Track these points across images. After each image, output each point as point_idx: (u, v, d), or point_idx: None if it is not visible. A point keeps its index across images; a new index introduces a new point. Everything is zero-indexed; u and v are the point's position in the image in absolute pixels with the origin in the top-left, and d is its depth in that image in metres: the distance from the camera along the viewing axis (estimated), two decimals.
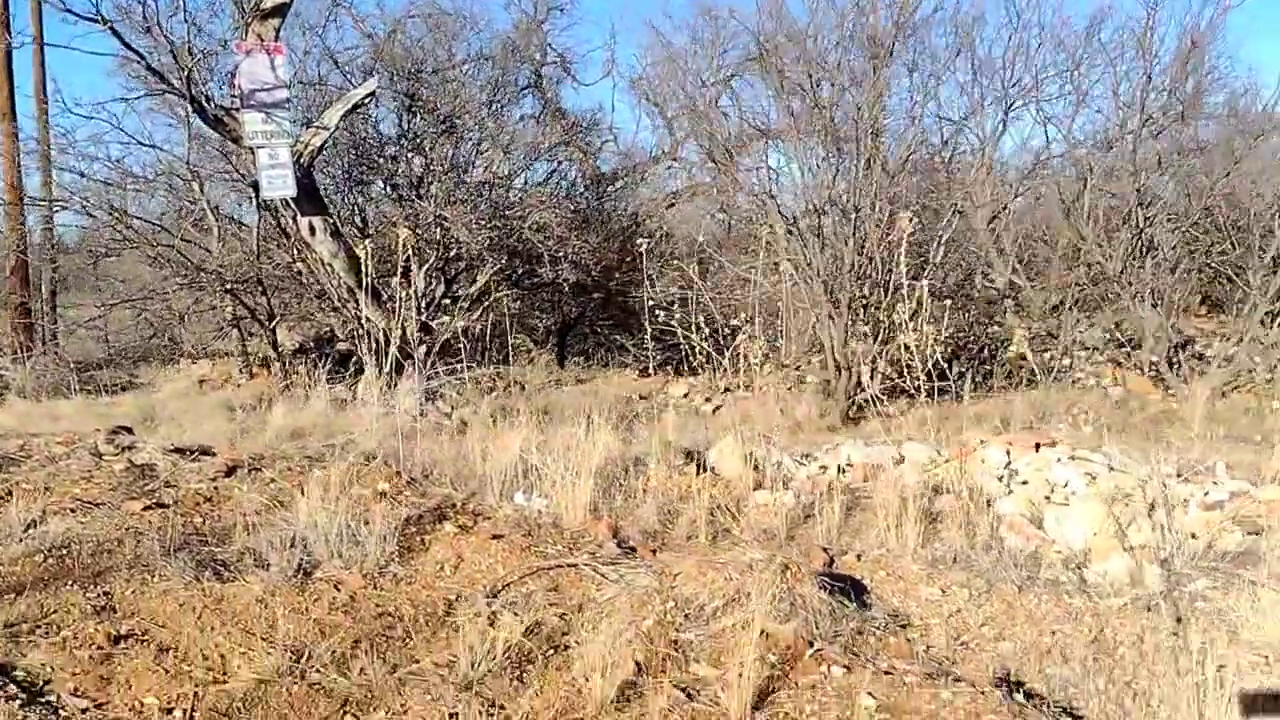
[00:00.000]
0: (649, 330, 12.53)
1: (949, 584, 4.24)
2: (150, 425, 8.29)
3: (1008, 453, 5.27)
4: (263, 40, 9.09)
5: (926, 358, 6.72)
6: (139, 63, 8.78)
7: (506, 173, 11.69)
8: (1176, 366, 10.06)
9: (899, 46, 8.69)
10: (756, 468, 5.51)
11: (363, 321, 10.44)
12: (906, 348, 6.74)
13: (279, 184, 9.22)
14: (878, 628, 3.73)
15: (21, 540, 4.95)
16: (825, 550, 4.68)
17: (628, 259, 12.54)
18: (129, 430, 7.11)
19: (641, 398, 11.64)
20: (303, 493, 5.87)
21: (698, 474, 5.64)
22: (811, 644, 3.42)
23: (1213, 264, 10.67)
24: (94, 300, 17.00)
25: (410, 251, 7.16)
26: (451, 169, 10.69)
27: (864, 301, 8.41)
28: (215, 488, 5.92)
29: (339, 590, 4.33)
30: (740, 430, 8.49)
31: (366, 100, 9.88)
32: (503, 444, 6.28)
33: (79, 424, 9.03)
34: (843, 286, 8.41)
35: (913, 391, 10.05)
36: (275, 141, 9.13)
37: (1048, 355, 13.21)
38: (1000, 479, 5.09)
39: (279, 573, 4.40)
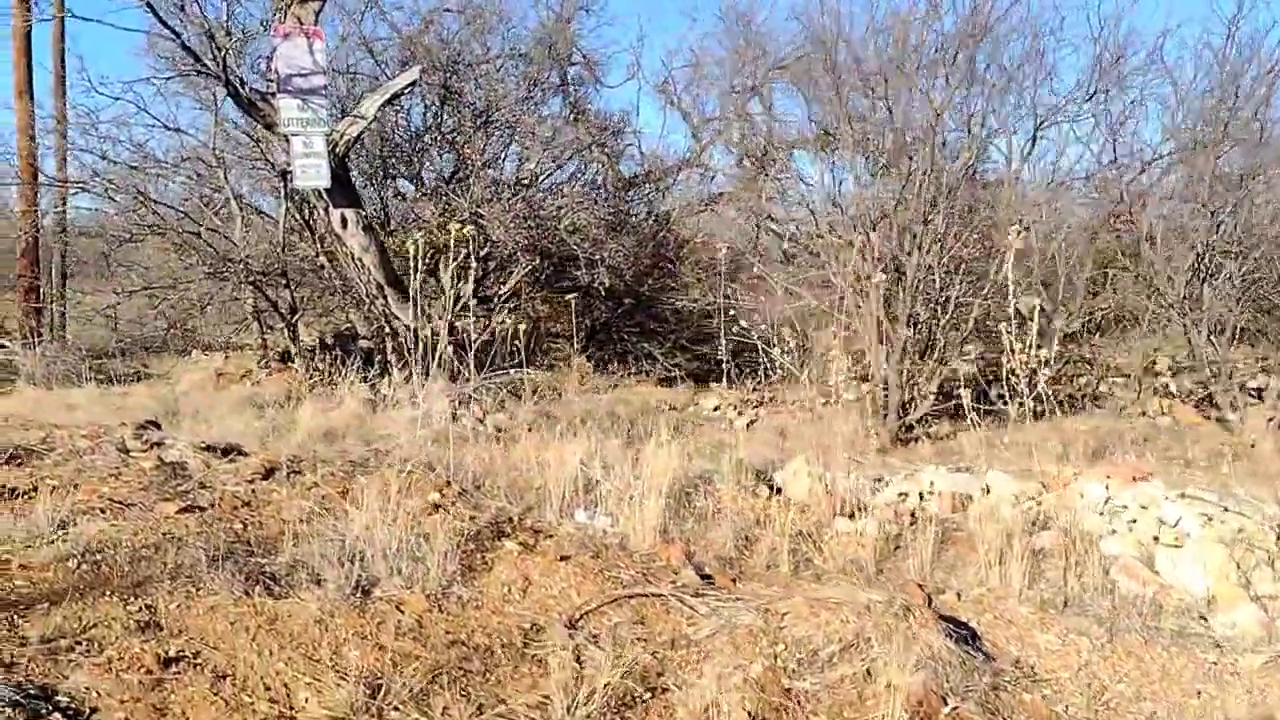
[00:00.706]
0: (676, 339, 12.23)
1: (1065, 631, 3.90)
2: (173, 419, 7.93)
3: (1106, 487, 4.94)
4: (302, 23, 8.76)
5: (977, 377, 6.40)
6: (174, 41, 8.44)
7: (540, 171, 11.36)
8: (1230, 397, 9.74)
9: (965, 56, 8.37)
10: (827, 490, 5.18)
11: (390, 320, 10.10)
12: (1007, 363, 6.44)
13: (313, 174, 8.89)
14: (1008, 682, 3.39)
15: (52, 542, 4.60)
16: (921, 587, 4.34)
17: (659, 265, 12.23)
18: (156, 425, 6.76)
19: (672, 408, 11.30)
20: (348, 499, 5.55)
21: (770, 497, 5.30)
22: (945, 701, 3.08)
23: (1266, 294, 10.36)
24: (106, 287, 16.68)
25: (453, 247, 6.79)
26: (487, 164, 10.35)
27: (920, 319, 8.08)
28: (253, 491, 5.56)
29: (402, 612, 3.98)
30: (783, 448, 8.16)
31: (406, 91, 9.55)
32: (555, 455, 5.93)
33: (95, 415, 8.68)
34: (901, 302, 8.08)
35: (967, 413, 9.77)
36: (310, 130, 8.80)
37: (1083, 381, 12.90)
38: (1102, 514, 4.76)
39: (336, 590, 4.05)
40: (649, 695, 3.30)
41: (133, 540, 4.65)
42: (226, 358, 12.77)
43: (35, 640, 3.57)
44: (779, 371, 11.57)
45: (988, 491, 5.27)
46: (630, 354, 12.39)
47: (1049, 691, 3.39)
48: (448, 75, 10.78)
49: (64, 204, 14.30)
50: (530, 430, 8.14)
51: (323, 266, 11.30)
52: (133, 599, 3.97)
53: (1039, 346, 4.99)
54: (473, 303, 10.40)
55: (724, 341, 11.91)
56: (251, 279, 9.83)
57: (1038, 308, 5.55)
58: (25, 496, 5.43)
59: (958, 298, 7.55)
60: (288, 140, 8.95)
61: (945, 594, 4.31)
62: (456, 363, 8.87)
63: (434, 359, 8.94)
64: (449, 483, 5.58)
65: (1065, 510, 4.89)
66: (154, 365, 12.73)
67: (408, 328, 10.17)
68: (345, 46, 10.84)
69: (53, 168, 14.16)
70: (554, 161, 11.33)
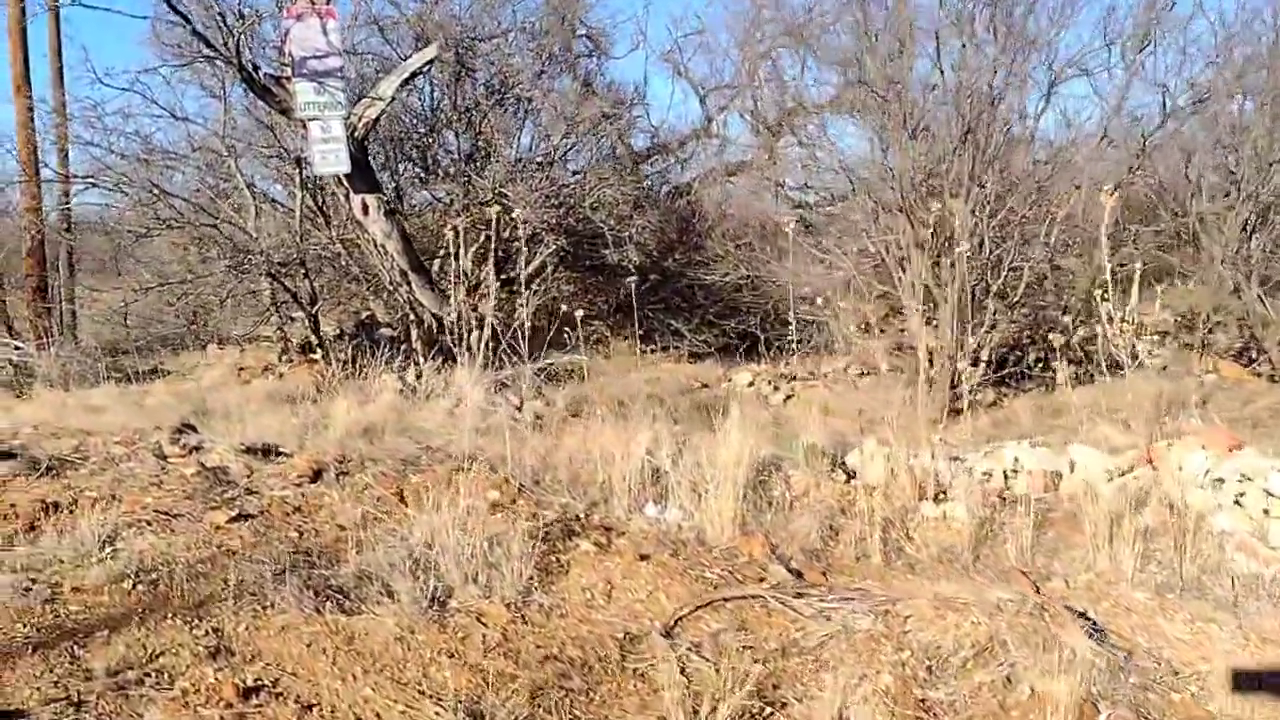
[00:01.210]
0: (706, 314, 11.95)
1: (1190, 618, 3.66)
2: (204, 419, 7.67)
3: (1205, 457, 4.69)
4: (314, 3, 8.42)
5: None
6: (184, 27, 8.12)
7: (560, 148, 11.04)
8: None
9: (1004, 8, 8.02)
10: (911, 473, 4.93)
11: (415, 307, 9.84)
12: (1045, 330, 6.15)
13: (332, 159, 8.58)
14: (1154, 681, 3.15)
15: (100, 561, 4.36)
16: (1024, 574, 4.11)
17: (684, 239, 11.94)
18: (192, 428, 6.51)
19: (703, 385, 11.05)
20: (403, 500, 5.31)
21: (847, 481, 5.05)
22: (1097, 707, 2.84)
23: None
24: (113, 283, 16.39)
25: (492, 228, 6.53)
26: (507, 143, 10.05)
27: (970, 284, 7.80)
28: (303, 495, 5.32)
29: (485, 624, 3.74)
30: (830, 424, 7.91)
31: (424, 69, 9.23)
32: (614, 444, 5.67)
33: (121, 417, 8.42)
34: (950, 267, 7.79)
35: (1016, 380, 9.51)
36: (328, 114, 8.49)
37: (1121, 341, 12.59)
38: (1202, 488, 4.52)
39: (411, 603, 3.81)
40: (771, 711, 3.06)
41: (187, 555, 4.41)
42: (243, 351, 12.50)
43: (101, 673, 3.34)
44: (812, 344, 11.35)
45: (1073, 468, 5.03)
46: (656, 331, 12.12)
47: (1195, 689, 3.16)
48: (461, 52, 10.44)
49: (68, 199, 13.99)
50: (573, 416, 7.89)
51: (339, 254, 11.02)
52: (197, 621, 3.74)
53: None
54: (495, 285, 10.14)
55: (756, 316, 11.69)
56: (272, 270, 9.55)
57: (1138, 272, 5.26)
58: (67, 511, 5.19)
59: (1011, 262, 7.27)
60: (304, 125, 8.65)
61: (1051, 581, 4.07)
62: (488, 349, 8.62)
63: (464, 346, 8.68)
64: (507, 479, 5.34)
65: (1161, 484, 4.65)
66: (170, 361, 12.46)
67: (434, 314, 9.91)
68: (354, 26, 10.50)
69: (54, 163, 13.82)
70: (576, 137, 11.01)
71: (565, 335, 10.27)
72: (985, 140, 7.71)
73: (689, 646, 3.45)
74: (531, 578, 4.08)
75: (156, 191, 9.59)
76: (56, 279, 14.84)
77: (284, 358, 11.20)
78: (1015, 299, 7.88)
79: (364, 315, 11.47)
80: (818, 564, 4.36)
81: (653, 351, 12.46)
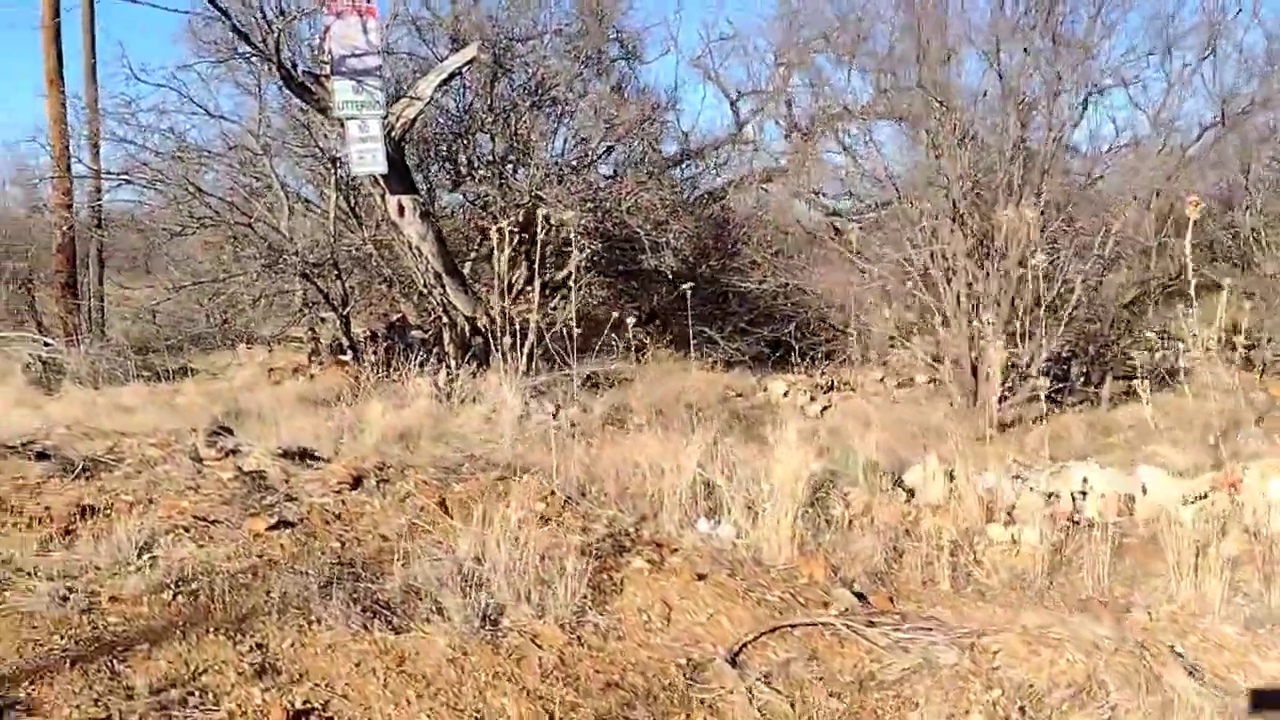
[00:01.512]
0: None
1: None
2: (237, 421, 7.54)
3: None
4: (354, 0, 8.30)
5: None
6: (222, 22, 8.01)
7: (597, 151, 10.89)
8: None
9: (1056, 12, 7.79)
10: (977, 494, 4.73)
11: (449, 310, 9.70)
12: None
13: (369, 160, 8.45)
14: None
15: (138, 569, 4.22)
16: (1102, 604, 3.91)
17: (718, 245, 11.76)
18: (228, 430, 6.37)
19: (738, 394, 10.86)
20: (446, 510, 5.15)
21: (908, 500, 4.87)
22: None
23: None
24: (141, 281, 16.35)
25: (541, 230, 6.37)
26: (542, 145, 9.90)
27: (1018, 296, 7.59)
28: (343, 502, 5.17)
29: (539, 646, 3.58)
30: (869, 438, 7.70)
31: (462, 70, 9.09)
32: (661, 455, 5.50)
33: (152, 417, 8.33)
34: (997, 278, 7.59)
35: (1060, 396, 9.27)
36: (366, 113, 8.36)
37: (1157, 356, 12.35)
38: None
39: (462, 622, 3.65)
40: None
41: (227, 565, 4.26)
42: (271, 351, 12.39)
43: (143, 691, 3.19)
44: (847, 354, 11.14)
45: (1145, 491, 4.82)
46: (688, 338, 11.91)
47: None
48: (499, 52, 10.31)
49: (100, 196, 13.94)
50: (610, 424, 7.73)
51: (370, 256, 10.90)
52: (240, 636, 3.59)
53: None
54: (536, 289, 9.99)
55: (789, 324, 11.48)
56: (306, 270, 9.43)
57: (1191, 286, 5.06)
58: (103, 515, 5.06)
59: (1064, 274, 7.07)
60: (342, 125, 8.52)
61: (1132, 612, 3.87)
62: (525, 354, 8.46)
63: (499, 350, 8.53)
64: (552, 490, 5.18)
65: (1241, 510, 4.44)
66: (198, 360, 12.37)
67: (467, 318, 9.78)
68: (391, 25, 10.38)
69: (86, 159, 13.76)
70: (616, 140, 10.85)
71: (600, 340, 10.12)
72: (1039, 148, 7.51)
73: (759, 676, 3.27)
74: (585, 596, 3.91)
75: (192, 189, 9.50)
76: (86, 276, 14.79)
77: (314, 359, 11.08)
78: (1066, 312, 7.66)
79: (394, 317, 11.35)
80: (883, 588, 4.17)
81: (685, 358, 12.27)
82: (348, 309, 10.37)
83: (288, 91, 9.78)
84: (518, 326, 8.28)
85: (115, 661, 3.40)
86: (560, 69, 10.46)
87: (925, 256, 8.46)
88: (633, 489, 5.14)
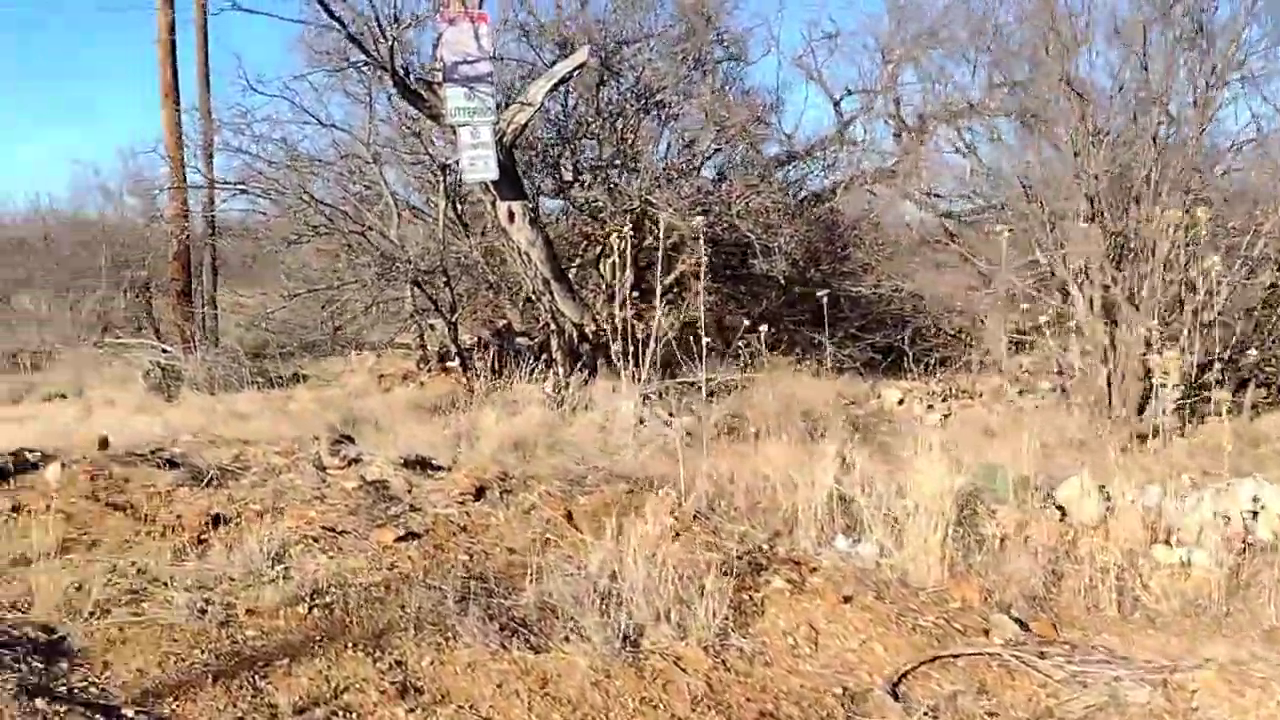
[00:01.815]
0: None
1: None
2: (354, 428, 7.58)
3: None
4: (466, 6, 8.29)
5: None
6: (337, 31, 8.07)
7: (705, 153, 10.72)
8: None
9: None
10: (1142, 513, 4.42)
11: (557, 316, 9.63)
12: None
13: (480, 166, 8.42)
14: None
15: (271, 581, 4.18)
16: None
17: (829, 249, 11.48)
18: (349, 439, 6.37)
19: (851, 402, 10.57)
20: (572, 523, 5.04)
21: (1062, 518, 4.58)
22: None
23: None
24: (251, 289, 16.75)
25: (651, 238, 6.23)
26: (650, 149, 9.78)
27: (1161, 300, 7.17)
28: (467, 514, 5.09)
29: (684, 670, 3.41)
30: (999, 450, 7.35)
31: (573, 74, 9.02)
32: (780, 464, 5.29)
33: (268, 424, 8.41)
34: (1138, 281, 7.19)
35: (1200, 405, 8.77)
36: (477, 119, 8.33)
37: None
38: None
39: (602, 643, 3.50)
40: None
41: (359, 578, 4.20)
42: (379, 357, 12.53)
43: (287, 710, 3.12)
44: (964, 360, 10.75)
45: None
46: (799, 344, 11.68)
47: None
48: (606, 56, 10.22)
49: (213, 205, 14.31)
50: (726, 433, 7.54)
51: (476, 263, 10.90)
52: (379, 653, 3.51)
53: None
54: (657, 293, 9.86)
55: (903, 330, 11.15)
56: (417, 278, 9.47)
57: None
58: (233, 524, 5.07)
59: (1211, 276, 6.64)
60: (454, 131, 8.51)
61: None
62: (638, 361, 8.32)
63: (609, 357, 8.41)
64: (680, 503, 5.01)
65: None
66: (310, 367, 12.57)
67: (575, 324, 9.70)
68: (500, 31, 10.38)
69: (200, 169, 14.13)
70: (725, 143, 10.69)
71: (709, 347, 9.94)
72: (1184, 142, 7.08)
73: (925, 711, 3.05)
74: (726, 617, 3.73)
75: (306, 198, 9.63)
76: (199, 283, 15.20)
77: (423, 365, 11.15)
78: (1210, 316, 7.22)
79: (500, 324, 11.34)
80: (1044, 614, 3.91)
81: (795, 365, 12.02)
82: (456, 316, 10.39)
83: (397, 100, 9.86)
84: (628, 333, 8.14)
85: (256, 677, 3.34)
86: (667, 71, 10.32)
87: (1054, 258, 8.07)
88: (763, 503, 4.95)
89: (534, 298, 9.35)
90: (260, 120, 10.38)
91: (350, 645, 3.57)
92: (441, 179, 9.75)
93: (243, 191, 11.01)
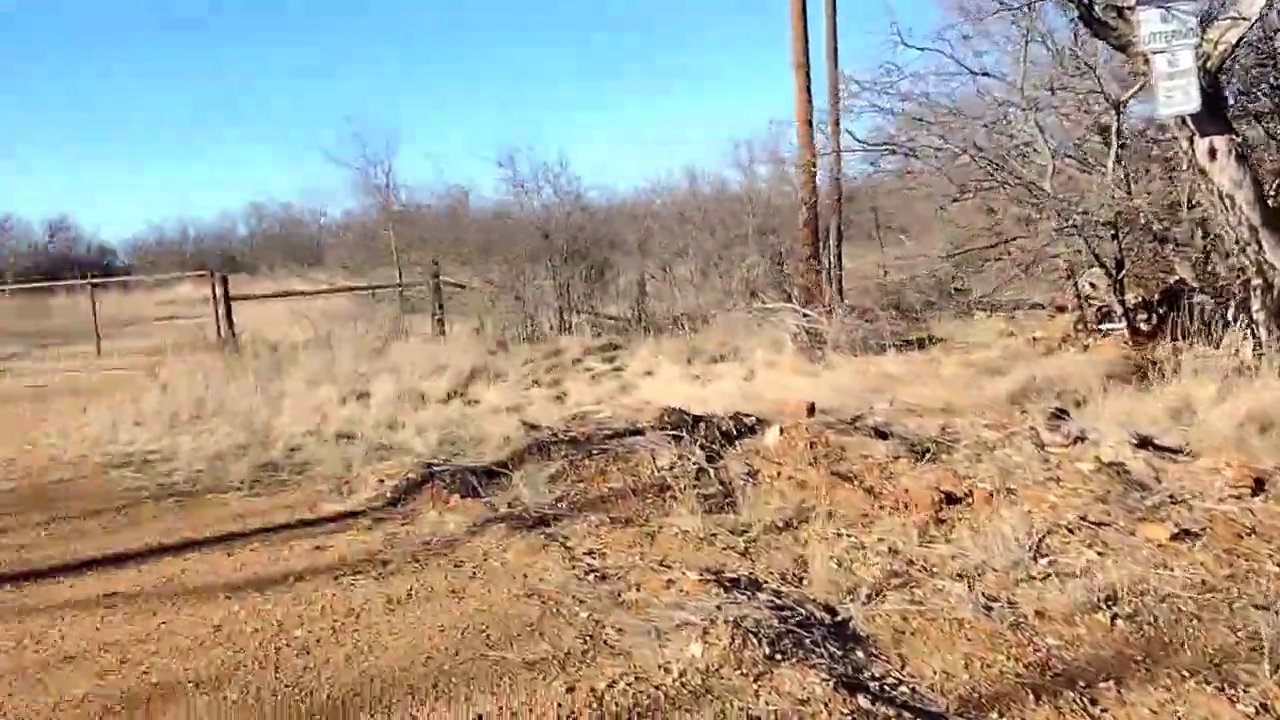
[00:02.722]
0: None
1: None
2: (1036, 399, 6.92)
3: None
4: None
5: None
6: None
7: None
8: None
9: None
10: None
11: (1264, 269, 8.06)
12: None
13: (1179, 98, 7.20)
14: None
15: (1045, 578, 3.72)
16: None
17: None
18: (1065, 414, 5.75)
19: None
20: None
21: None
22: None
23: None
24: (866, 251, 16.84)
25: None
26: None
27: None
28: (1249, 511, 4.22)
29: None
30: None
31: None
32: None
33: (934, 390, 8.07)
34: None
35: None
36: (1176, 44, 7.12)
37: None
38: None
39: None
40: None
41: (1149, 583, 3.58)
42: (1013, 318, 11.75)
43: None
44: None
45: None
46: None
47: None
48: None
49: (839, 171, 14.47)
50: None
51: (1138, 211, 9.59)
52: (1229, 688, 2.86)
53: None
54: None
55: None
56: (1090, 232, 8.52)
57: None
58: (964, 504, 4.75)
59: None
60: (1146, 60, 7.38)
61: None
62: None
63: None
64: None
65: None
66: (936, 329, 12.18)
67: None
68: None
69: (826, 134, 14.33)
70: None
71: None
72: None
73: None
74: None
75: (971, 152, 9.13)
76: (825, 248, 15.57)
77: (1078, 328, 10.16)
78: None
79: (1172, 280, 9.92)
80: None
81: None
82: (1122, 273, 9.24)
83: (1058, 38, 8.94)
84: None
85: (1083, 699, 2.89)
86: None
87: None
88: None
89: (1239, 248, 7.91)
90: (904, 77, 10.03)
91: (1186, 673, 2.97)
92: (1115, 119, 8.64)
93: (891, 152, 10.83)
